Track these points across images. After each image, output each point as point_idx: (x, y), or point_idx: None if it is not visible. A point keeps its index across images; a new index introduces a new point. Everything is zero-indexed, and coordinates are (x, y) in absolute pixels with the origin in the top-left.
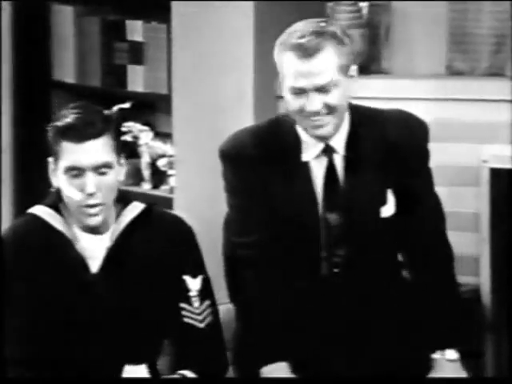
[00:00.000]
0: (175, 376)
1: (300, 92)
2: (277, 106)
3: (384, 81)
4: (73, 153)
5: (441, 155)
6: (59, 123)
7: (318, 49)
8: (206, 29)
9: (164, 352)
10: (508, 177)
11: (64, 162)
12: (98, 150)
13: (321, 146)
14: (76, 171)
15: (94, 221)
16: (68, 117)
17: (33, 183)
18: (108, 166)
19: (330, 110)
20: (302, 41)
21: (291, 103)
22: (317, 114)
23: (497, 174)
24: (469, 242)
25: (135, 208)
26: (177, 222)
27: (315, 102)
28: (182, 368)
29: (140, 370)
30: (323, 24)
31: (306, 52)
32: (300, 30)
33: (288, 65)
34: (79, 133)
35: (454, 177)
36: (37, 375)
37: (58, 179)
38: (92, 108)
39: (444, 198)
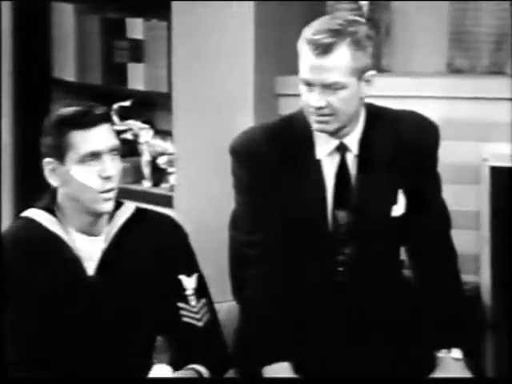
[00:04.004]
0: (187, 370)
1: (308, 85)
2: (277, 105)
3: (384, 79)
4: (87, 139)
5: (441, 153)
6: (65, 115)
7: (330, 47)
8: (206, 27)
9: (160, 349)
10: (508, 175)
11: (78, 151)
12: (108, 133)
13: (334, 143)
14: (93, 157)
15: (108, 206)
16: (67, 110)
17: (33, 183)
18: (118, 149)
19: (333, 109)
20: (317, 37)
21: (302, 95)
22: (320, 110)
23: (497, 172)
24: (469, 240)
25: (127, 209)
26: (169, 222)
27: (320, 99)
28: (183, 364)
29: (164, 371)
30: (345, 22)
31: (318, 49)
32: (320, 25)
33: (303, 58)
34: (89, 118)
35: (455, 175)
36: (37, 375)
37: (64, 175)
38: (82, 101)
39: (444, 196)
